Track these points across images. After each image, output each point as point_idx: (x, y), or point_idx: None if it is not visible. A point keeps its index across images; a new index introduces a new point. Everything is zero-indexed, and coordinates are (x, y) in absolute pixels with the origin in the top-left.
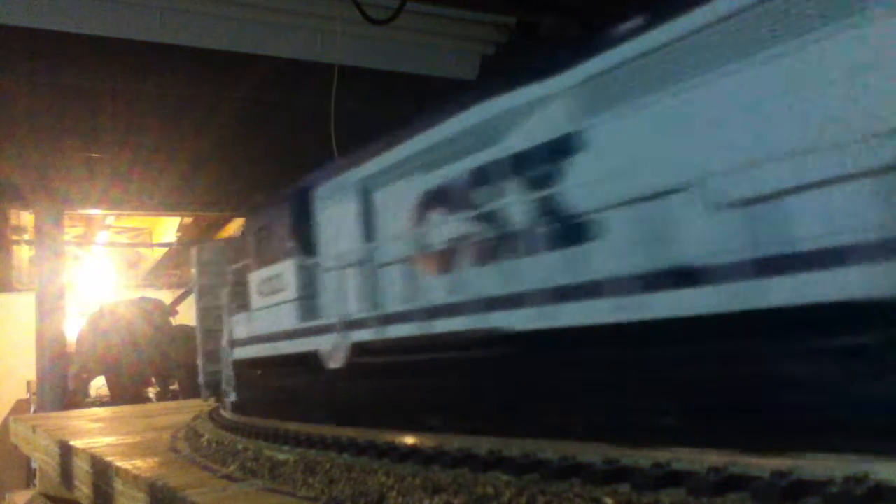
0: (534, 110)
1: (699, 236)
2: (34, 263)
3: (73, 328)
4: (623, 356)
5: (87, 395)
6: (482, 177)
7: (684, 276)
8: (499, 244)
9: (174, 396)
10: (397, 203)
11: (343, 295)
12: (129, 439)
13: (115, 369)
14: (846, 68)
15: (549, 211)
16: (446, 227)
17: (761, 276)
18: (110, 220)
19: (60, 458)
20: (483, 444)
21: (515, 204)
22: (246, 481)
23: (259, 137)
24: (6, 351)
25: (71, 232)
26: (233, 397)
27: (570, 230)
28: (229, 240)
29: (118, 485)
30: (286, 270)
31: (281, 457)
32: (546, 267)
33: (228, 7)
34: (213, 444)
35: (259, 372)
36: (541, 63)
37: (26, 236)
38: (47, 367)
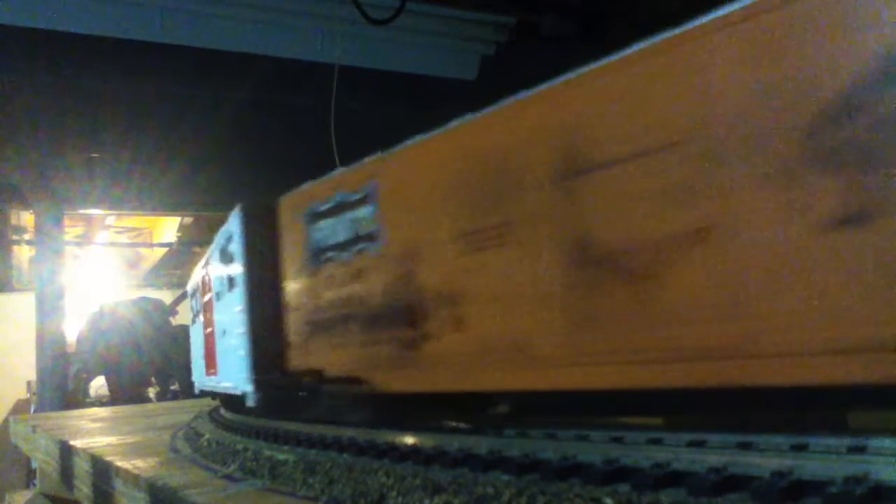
0: None
1: None
2: (34, 263)
3: (73, 328)
4: None
5: (87, 395)
6: None
7: None
8: None
9: (174, 396)
10: None
11: None
12: (130, 439)
13: (115, 369)
14: None
15: None
16: None
17: None
18: (110, 220)
19: (60, 457)
20: (483, 444)
21: None
22: (246, 481)
23: (259, 137)
24: (6, 351)
25: (71, 232)
26: None
27: None
28: None
29: (118, 484)
30: None
31: (281, 457)
32: None
33: (228, 7)
34: (214, 444)
35: None
36: None
37: (26, 236)
38: (47, 367)
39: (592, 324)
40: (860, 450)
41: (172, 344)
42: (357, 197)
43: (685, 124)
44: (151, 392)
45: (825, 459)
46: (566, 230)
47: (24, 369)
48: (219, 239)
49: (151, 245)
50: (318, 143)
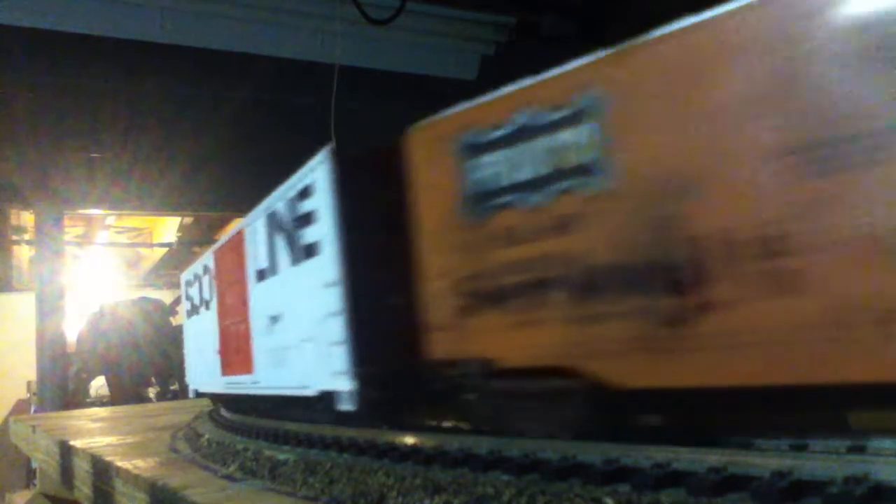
0: None
1: None
2: (34, 263)
3: (73, 328)
4: None
5: (87, 395)
6: None
7: None
8: None
9: (174, 396)
10: None
11: None
12: (130, 439)
13: (115, 369)
14: None
15: None
16: None
17: None
18: (110, 220)
19: (60, 458)
20: (483, 444)
21: None
22: (246, 481)
23: (259, 137)
24: (6, 351)
25: (71, 232)
26: None
27: None
28: None
29: (118, 485)
30: None
31: (281, 457)
32: None
33: (228, 7)
34: (214, 444)
35: None
36: None
37: (26, 236)
38: (47, 367)
39: None
40: (860, 450)
41: (172, 344)
42: (560, 115)
43: None
44: (151, 392)
45: (825, 459)
46: None
47: (24, 369)
48: (272, 202)
49: (151, 245)
50: (318, 143)
